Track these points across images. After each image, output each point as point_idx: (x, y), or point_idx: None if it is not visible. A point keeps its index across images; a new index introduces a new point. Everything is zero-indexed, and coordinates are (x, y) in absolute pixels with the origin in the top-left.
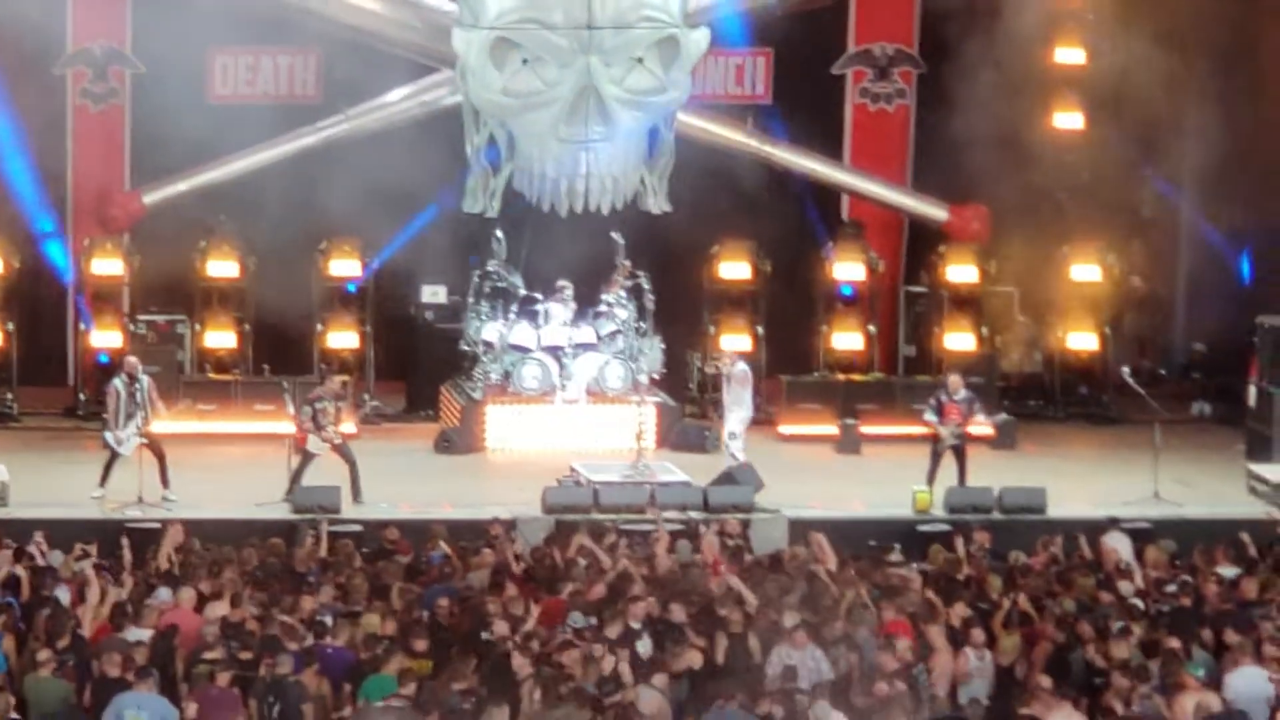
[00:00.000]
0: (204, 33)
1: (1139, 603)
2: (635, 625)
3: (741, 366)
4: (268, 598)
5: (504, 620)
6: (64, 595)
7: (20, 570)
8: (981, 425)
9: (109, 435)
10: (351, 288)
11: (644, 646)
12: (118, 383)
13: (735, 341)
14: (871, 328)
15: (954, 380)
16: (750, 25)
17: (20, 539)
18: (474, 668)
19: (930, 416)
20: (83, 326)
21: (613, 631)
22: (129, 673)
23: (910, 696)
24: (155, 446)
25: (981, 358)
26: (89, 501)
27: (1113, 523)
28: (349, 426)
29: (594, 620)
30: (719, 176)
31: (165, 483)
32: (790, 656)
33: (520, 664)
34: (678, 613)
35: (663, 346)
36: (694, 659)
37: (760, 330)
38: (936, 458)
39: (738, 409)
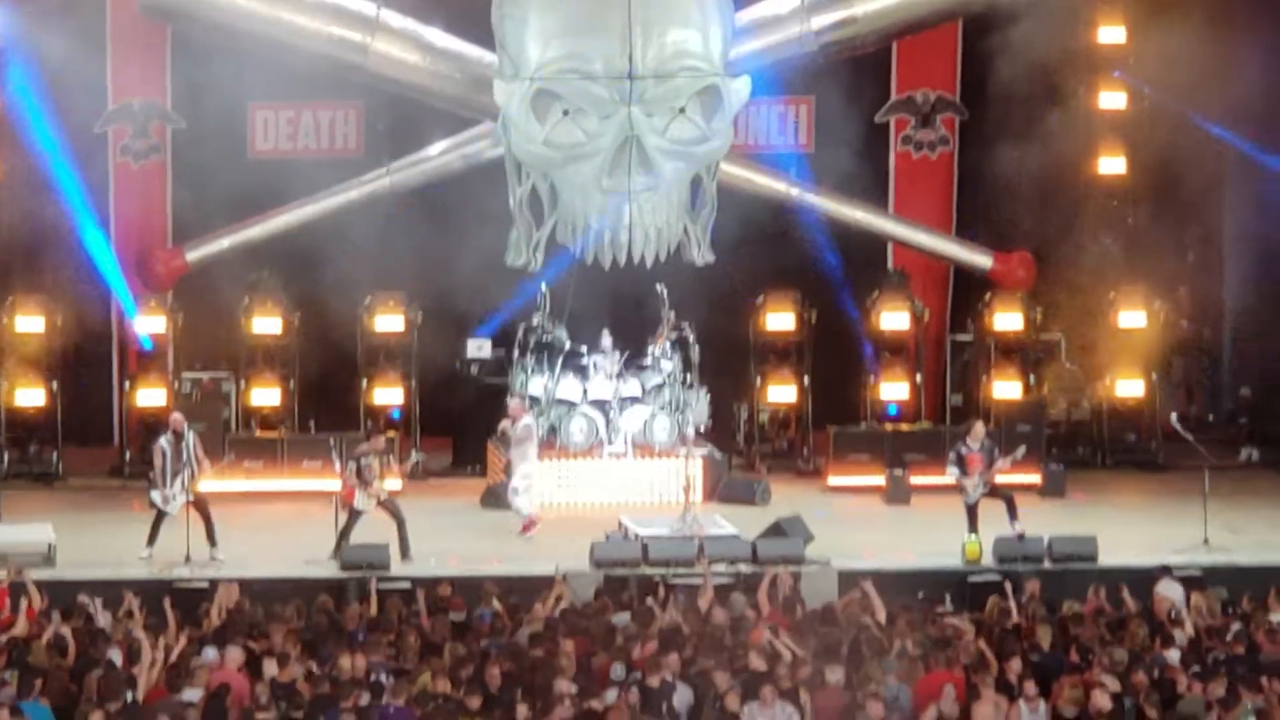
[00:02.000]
0: (244, 88)
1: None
2: (669, 678)
3: (524, 422)
4: (318, 657)
5: (556, 675)
6: (116, 656)
7: (66, 630)
8: (1003, 469)
9: (155, 494)
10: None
11: (681, 699)
12: (163, 441)
13: (782, 392)
14: (918, 377)
15: (977, 428)
16: (791, 74)
17: (69, 600)
18: None
19: (953, 470)
20: (125, 385)
21: (653, 683)
22: None
23: None
24: (201, 505)
25: (1029, 405)
26: (136, 562)
27: (1165, 571)
28: (395, 483)
29: (636, 674)
30: (762, 226)
31: (212, 541)
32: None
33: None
34: (716, 667)
35: (709, 398)
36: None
37: (806, 381)
38: (970, 510)
39: (522, 463)
